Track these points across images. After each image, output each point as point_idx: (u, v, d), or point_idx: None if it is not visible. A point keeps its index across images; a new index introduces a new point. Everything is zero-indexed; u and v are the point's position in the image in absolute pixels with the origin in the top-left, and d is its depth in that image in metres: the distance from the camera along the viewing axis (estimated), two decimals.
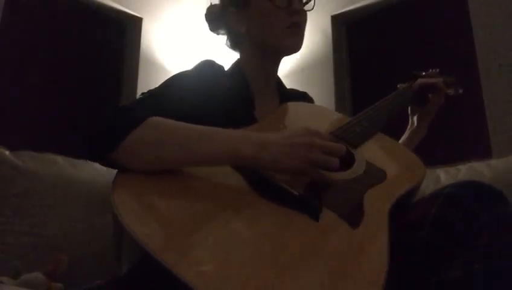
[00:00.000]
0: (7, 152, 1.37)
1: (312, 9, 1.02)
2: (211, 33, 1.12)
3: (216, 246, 0.56)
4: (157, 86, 0.90)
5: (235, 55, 1.11)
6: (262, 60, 1.04)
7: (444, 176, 1.44)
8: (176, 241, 0.56)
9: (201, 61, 0.98)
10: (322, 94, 2.98)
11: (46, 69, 2.78)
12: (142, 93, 0.85)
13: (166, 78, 0.92)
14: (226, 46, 1.12)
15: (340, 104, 2.98)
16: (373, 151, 0.88)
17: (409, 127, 1.17)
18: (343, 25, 3.20)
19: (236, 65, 1.06)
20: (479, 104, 2.33)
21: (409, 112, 1.18)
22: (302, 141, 0.69)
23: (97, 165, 1.44)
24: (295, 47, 0.99)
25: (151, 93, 0.85)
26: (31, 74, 2.70)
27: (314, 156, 0.69)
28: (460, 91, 1.17)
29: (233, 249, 0.57)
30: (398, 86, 1.20)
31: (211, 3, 1.10)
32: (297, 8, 0.98)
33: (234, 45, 1.09)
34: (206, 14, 1.10)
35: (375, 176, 0.80)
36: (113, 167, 0.69)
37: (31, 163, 1.37)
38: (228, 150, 0.68)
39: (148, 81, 3.00)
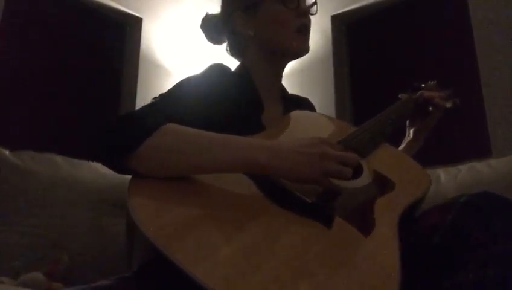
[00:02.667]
0: (7, 152, 1.37)
1: (316, 13, 1.03)
2: None
3: (233, 251, 0.57)
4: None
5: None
6: (269, 65, 1.04)
7: (444, 176, 1.44)
8: (194, 246, 0.56)
9: (210, 65, 0.98)
10: (322, 94, 2.97)
11: (46, 69, 2.78)
12: (154, 98, 0.85)
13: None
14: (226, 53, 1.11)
15: (340, 105, 2.98)
16: (381, 161, 0.89)
17: (405, 138, 1.17)
18: (343, 25, 3.20)
19: (243, 68, 1.05)
20: (479, 104, 2.33)
21: (407, 123, 1.17)
22: (318, 151, 0.69)
23: (97, 165, 1.45)
24: (303, 50, 1.01)
25: (163, 98, 0.85)
26: (31, 73, 2.70)
27: (329, 166, 0.69)
28: (458, 102, 1.17)
29: (249, 255, 0.57)
30: (400, 95, 1.19)
31: (206, 14, 1.10)
32: (306, 9, 1.00)
33: (239, 50, 1.07)
34: (203, 24, 1.09)
35: (384, 185, 0.80)
36: (127, 173, 0.68)
37: (31, 163, 1.37)
38: (244, 158, 0.68)
39: (148, 81, 2.99)
